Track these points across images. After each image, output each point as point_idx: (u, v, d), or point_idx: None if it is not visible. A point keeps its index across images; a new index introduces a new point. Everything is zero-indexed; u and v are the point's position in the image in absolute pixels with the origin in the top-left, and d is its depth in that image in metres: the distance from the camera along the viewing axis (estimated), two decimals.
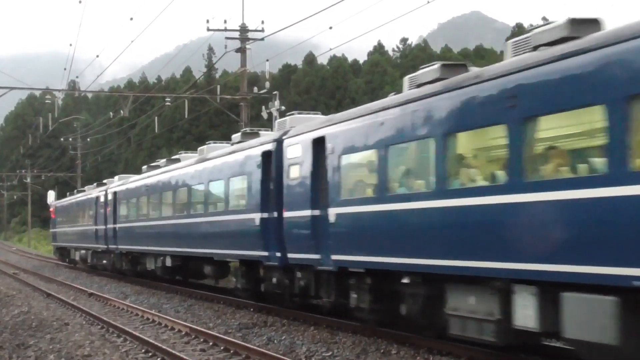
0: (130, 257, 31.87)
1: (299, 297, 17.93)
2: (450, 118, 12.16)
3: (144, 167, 32.55)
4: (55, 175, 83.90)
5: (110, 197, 34.58)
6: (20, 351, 14.74)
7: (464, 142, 12.33)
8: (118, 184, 34.79)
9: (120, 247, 32.67)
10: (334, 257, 15.28)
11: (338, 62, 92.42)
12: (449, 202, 11.94)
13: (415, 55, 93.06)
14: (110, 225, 33.89)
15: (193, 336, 15.98)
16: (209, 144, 25.50)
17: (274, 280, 18.58)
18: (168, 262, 26.70)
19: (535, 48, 10.98)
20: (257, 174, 19.04)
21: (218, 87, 46.66)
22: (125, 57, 49.65)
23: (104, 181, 40.55)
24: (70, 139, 73.42)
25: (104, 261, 36.18)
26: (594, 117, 9.68)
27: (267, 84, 36.13)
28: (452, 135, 12.10)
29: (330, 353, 13.46)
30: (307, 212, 16.41)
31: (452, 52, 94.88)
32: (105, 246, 34.65)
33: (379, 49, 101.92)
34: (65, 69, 41.91)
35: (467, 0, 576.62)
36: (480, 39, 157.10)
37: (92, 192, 39.81)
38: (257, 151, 19.26)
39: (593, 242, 9.49)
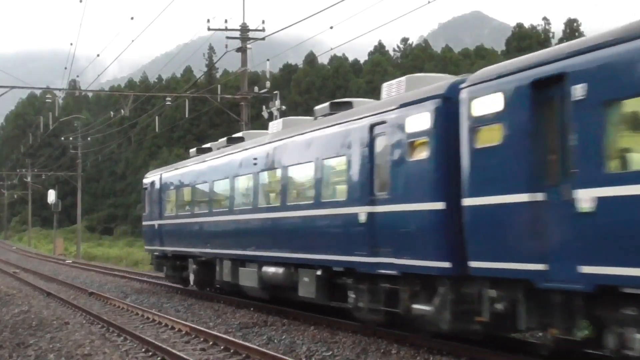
0: None
1: None
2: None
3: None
4: (55, 174, 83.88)
5: (483, 106, 11.06)
6: (21, 350, 14.73)
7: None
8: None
9: None
10: None
11: (339, 62, 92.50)
12: None
13: (415, 55, 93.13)
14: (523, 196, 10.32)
15: (193, 335, 15.97)
16: None
17: None
18: None
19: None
20: None
21: (219, 86, 46.65)
22: (126, 56, 49.71)
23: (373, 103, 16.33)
24: (71, 138, 73.33)
25: (427, 307, 12.47)
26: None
27: (268, 84, 36.08)
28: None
29: (330, 352, 13.45)
30: None
31: (452, 52, 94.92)
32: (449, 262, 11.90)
33: (380, 48, 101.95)
34: (65, 68, 41.99)
35: (468, 0, 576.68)
36: (481, 39, 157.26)
37: (344, 121, 14.99)
38: None
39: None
